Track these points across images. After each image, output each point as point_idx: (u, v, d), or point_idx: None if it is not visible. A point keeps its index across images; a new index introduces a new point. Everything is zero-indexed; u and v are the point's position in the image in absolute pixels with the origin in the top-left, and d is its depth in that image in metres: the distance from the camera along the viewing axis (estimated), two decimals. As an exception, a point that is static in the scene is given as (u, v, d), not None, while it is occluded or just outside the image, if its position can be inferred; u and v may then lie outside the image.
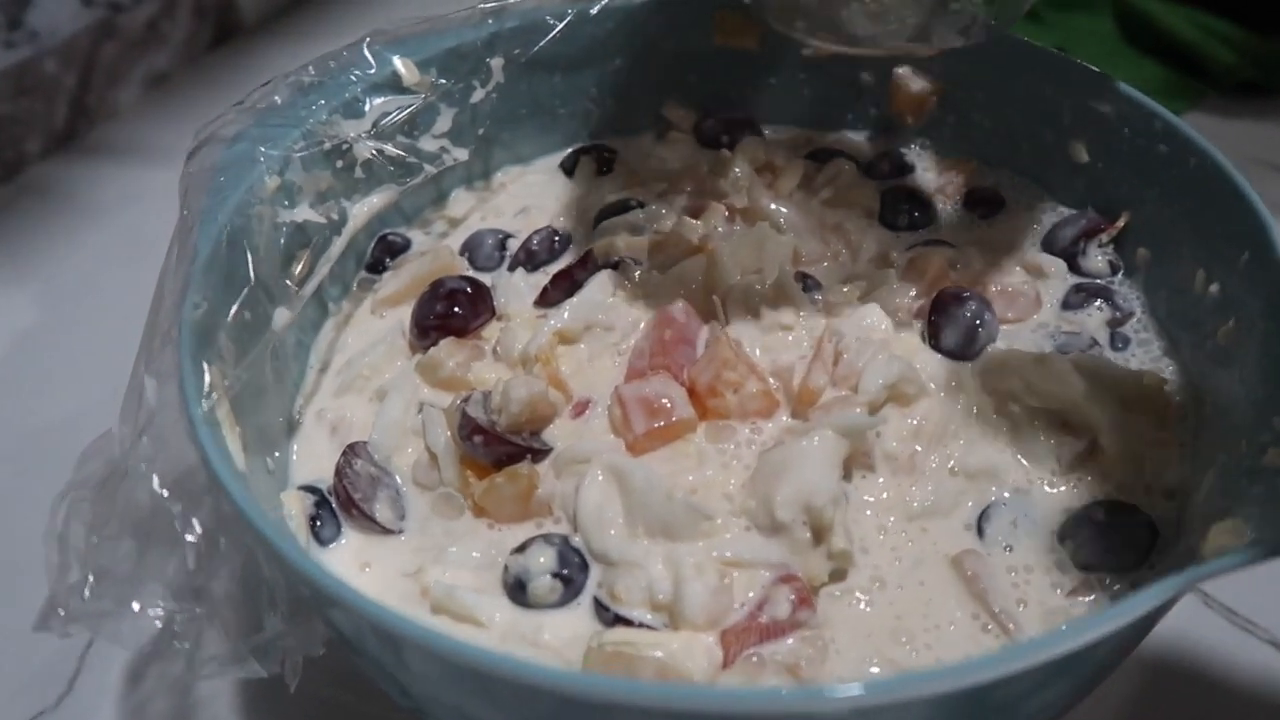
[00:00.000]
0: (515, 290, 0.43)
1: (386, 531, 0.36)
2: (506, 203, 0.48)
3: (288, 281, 0.39)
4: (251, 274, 0.37)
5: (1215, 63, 0.66)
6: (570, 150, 0.50)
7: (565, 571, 0.34)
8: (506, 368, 0.40)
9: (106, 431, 0.34)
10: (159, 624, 0.29)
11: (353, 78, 0.43)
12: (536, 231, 0.45)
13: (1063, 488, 0.36)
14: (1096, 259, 0.43)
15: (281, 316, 0.38)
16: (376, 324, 0.44)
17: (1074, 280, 0.43)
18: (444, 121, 0.45)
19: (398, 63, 0.43)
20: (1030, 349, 0.39)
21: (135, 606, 0.29)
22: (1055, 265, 0.43)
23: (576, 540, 0.35)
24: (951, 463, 0.37)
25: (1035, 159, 0.46)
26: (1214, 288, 0.38)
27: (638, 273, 0.42)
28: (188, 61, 0.76)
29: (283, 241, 0.39)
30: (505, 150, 0.49)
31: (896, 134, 0.50)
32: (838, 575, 0.34)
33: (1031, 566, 0.35)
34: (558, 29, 0.46)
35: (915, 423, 0.37)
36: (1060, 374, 0.37)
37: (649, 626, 0.33)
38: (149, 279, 0.35)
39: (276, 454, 0.38)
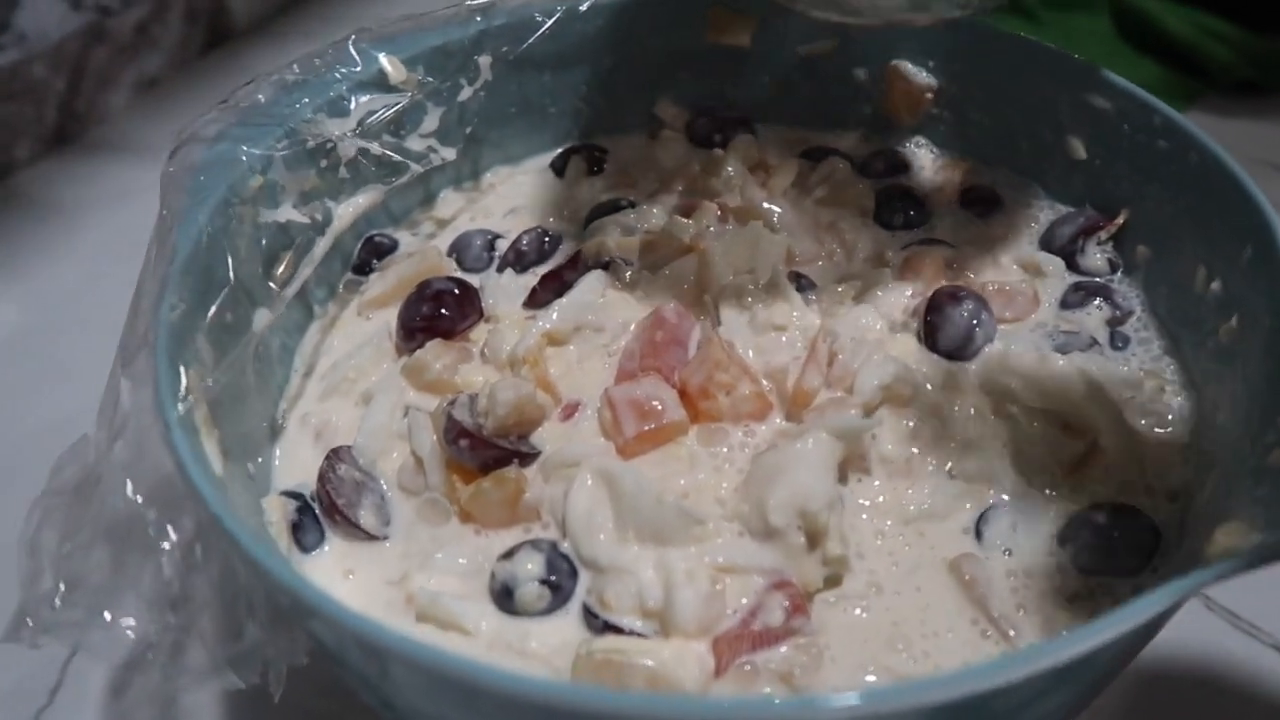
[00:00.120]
0: (504, 291, 0.42)
1: (371, 538, 0.36)
2: (495, 203, 0.48)
3: (270, 283, 0.39)
4: (231, 275, 0.36)
5: (1213, 62, 0.66)
6: (560, 150, 0.50)
7: (553, 578, 0.33)
8: (494, 370, 0.39)
9: (83, 436, 0.33)
10: (130, 634, 0.28)
11: (338, 76, 0.42)
12: (526, 232, 0.45)
13: (1063, 490, 0.36)
14: (1095, 257, 0.43)
15: (262, 318, 0.38)
16: (363, 326, 0.43)
17: (1072, 279, 0.43)
18: (431, 120, 0.45)
19: (384, 60, 0.43)
20: (1029, 349, 0.39)
21: (107, 616, 0.28)
22: (1053, 264, 0.43)
23: (565, 546, 0.34)
24: (949, 465, 0.36)
25: (1032, 156, 0.46)
26: (1215, 285, 0.37)
27: (629, 273, 0.42)
28: (179, 65, 0.75)
29: (264, 242, 0.39)
30: (494, 150, 0.49)
31: (892, 132, 0.49)
32: (833, 581, 0.33)
33: (1031, 571, 0.34)
34: (547, 26, 0.45)
35: (912, 425, 0.37)
36: (1060, 374, 0.37)
37: (639, 634, 0.32)
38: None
39: (259, 459, 0.37)
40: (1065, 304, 0.42)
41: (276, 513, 0.35)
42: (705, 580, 0.33)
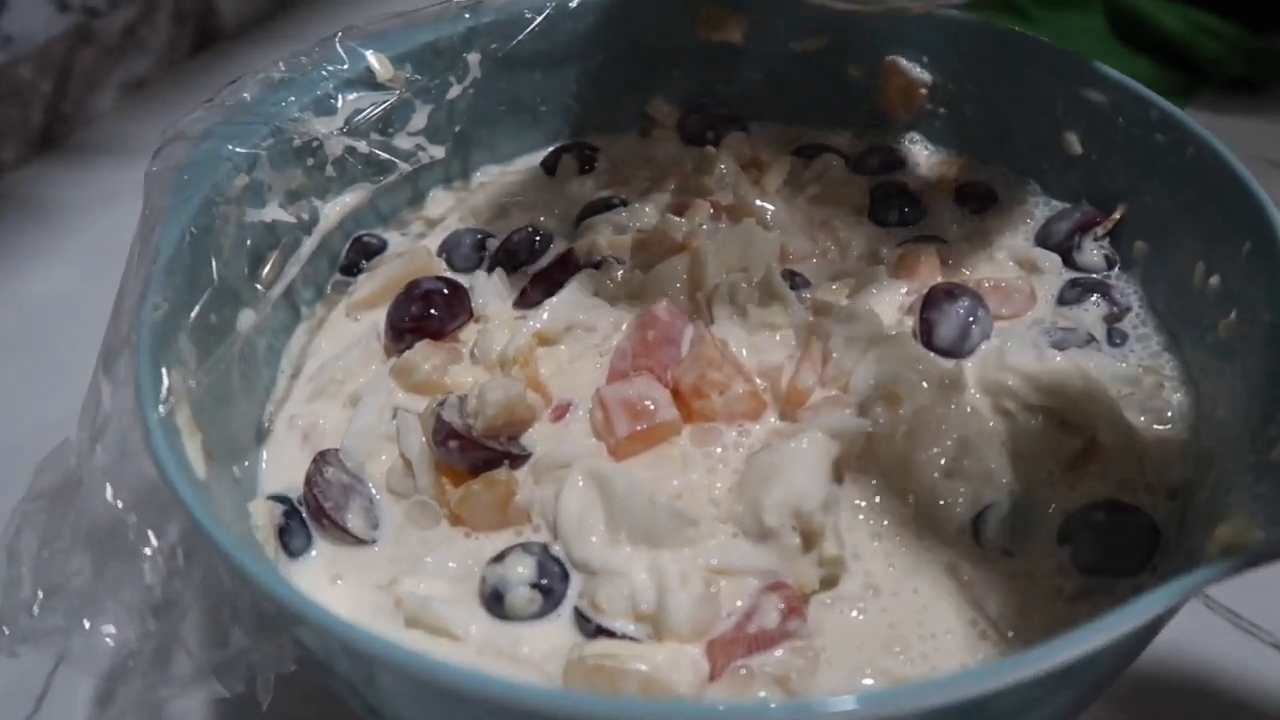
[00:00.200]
0: (494, 291, 0.42)
1: (359, 542, 0.35)
2: (486, 203, 0.47)
3: (256, 283, 0.38)
4: (215, 275, 0.36)
5: (1207, 59, 0.66)
6: (551, 148, 0.49)
7: (544, 581, 0.33)
8: (484, 370, 0.39)
9: (65, 440, 0.33)
10: (110, 642, 0.27)
11: (325, 74, 0.42)
12: (516, 231, 0.44)
13: (1061, 488, 0.35)
14: (1092, 253, 0.42)
15: (247, 319, 0.37)
16: (351, 327, 0.43)
17: (1069, 275, 0.42)
18: (420, 119, 0.44)
19: (371, 58, 0.42)
20: (1025, 346, 0.39)
21: (86, 624, 0.28)
22: (1050, 260, 0.42)
23: (556, 549, 0.34)
24: (946, 464, 0.35)
25: (1028, 152, 0.45)
26: (1214, 280, 0.37)
27: (620, 272, 0.41)
28: (167, 67, 0.75)
29: (250, 242, 0.38)
30: (484, 149, 0.49)
31: (886, 129, 0.49)
32: (829, 583, 0.33)
33: (1031, 571, 0.34)
34: (536, 23, 0.45)
35: (907, 423, 0.36)
36: (1057, 371, 0.36)
37: (632, 638, 0.32)
38: (126, 286, 0.34)
39: (245, 463, 0.37)
40: (1062, 300, 0.41)
41: (263, 517, 0.35)
42: (699, 582, 0.32)
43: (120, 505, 0.29)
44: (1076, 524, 0.34)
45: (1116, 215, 0.42)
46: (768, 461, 0.34)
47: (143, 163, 0.37)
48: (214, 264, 0.36)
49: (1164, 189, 0.40)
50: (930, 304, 0.39)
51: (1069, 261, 0.42)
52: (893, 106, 0.48)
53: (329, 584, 0.34)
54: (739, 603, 0.32)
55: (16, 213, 0.63)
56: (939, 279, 0.41)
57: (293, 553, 0.35)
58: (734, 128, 0.48)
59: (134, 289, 0.33)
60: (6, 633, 0.28)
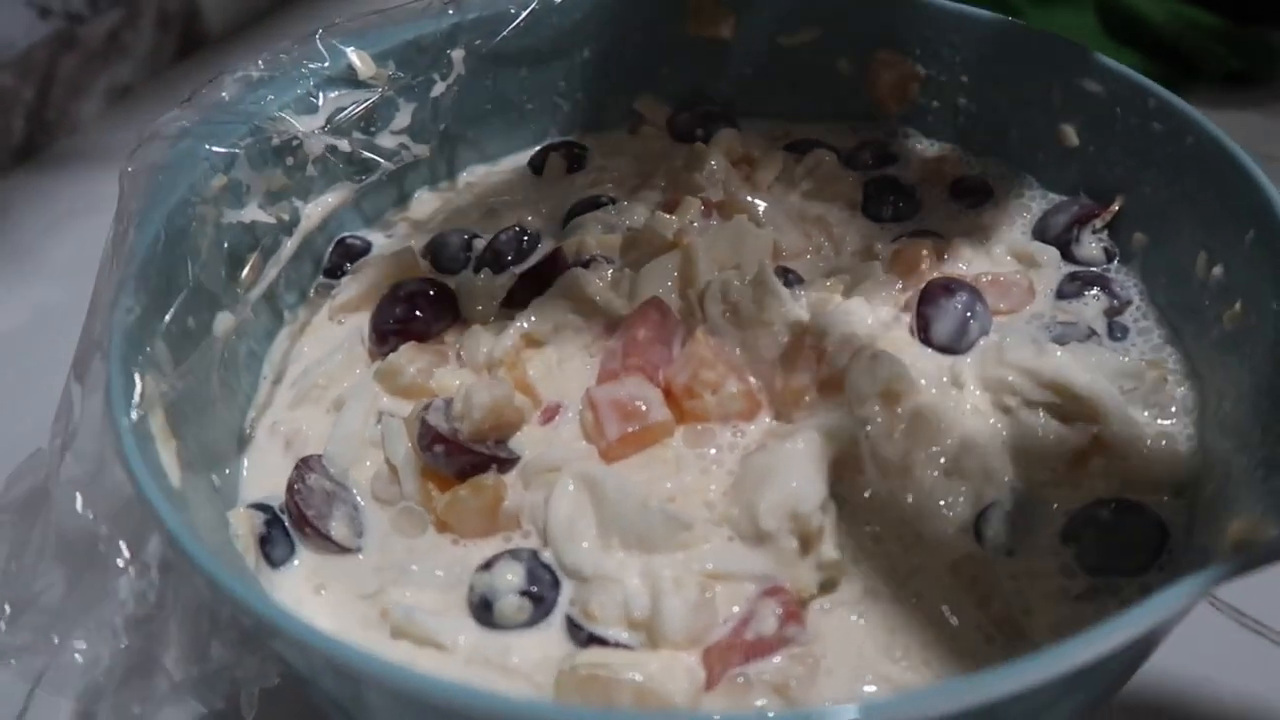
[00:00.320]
0: (481, 292, 0.41)
1: (343, 550, 0.35)
2: (472, 203, 0.47)
3: (235, 286, 0.37)
4: (191, 277, 0.35)
5: (1199, 54, 0.66)
6: (539, 147, 0.49)
7: (535, 589, 0.32)
8: (471, 373, 0.38)
9: (37, 449, 0.32)
10: (79, 658, 0.26)
11: (305, 71, 0.41)
12: (503, 230, 0.43)
13: (1065, 486, 0.35)
14: (1091, 246, 0.42)
15: (225, 322, 0.36)
16: (335, 331, 0.42)
17: (1068, 269, 0.42)
18: (403, 117, 0.44)
19: (352, 55, 0.42)
20: (1025, 341, 0.38)
21: (55, 640, 0.26)
22: (1048, 253, 0.42)
23: (547, 555, 0.33)
24: (946, 462, 0.35)
25: (1023, 144, 0.45)
26: (1217, 270, 0.36)
27: (610, 271, 0.41)
28: (151, 73, 0.74)
29: (227, 244, 0.37)
30: (470, 148, 0.48)
31: (878, 123, 0.48)
32: (828, 587, 0.32)
33: (1035, 571, 0.33)
34: (521, 19, 0.45)
35: (906, 422, 0.35)
36: (1058, 366, 0.36)
37: (626, 646, 0.31)
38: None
39: (225, 471, 0.36)
40: (1061, 294, 0.41)
41: (243, 526, 0.34)
42: (694, 588, 0.32)
43: (91, 516, 0.28)
44: (1081, 523, 0.33)
45: (1115, 207, 0.42)
46: (763, 463, 0.34)
47: (126, 170, 0.37)
48: (190, 266, 0.35)
49: (1163, 179, 0.39)
50: (927, 299, 0.39)
51: (1067, 255, 0.42)
52: (885, 100, 0.47)
53: (312, 594, 0.34)
54: (735, 608, 0.32)
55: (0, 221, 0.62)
56: (935, 274, 0.40)
57: (274, 562, 0.34)
58: (724, 124, 0.48)
59: (107, 292, 0.32)
60: (-31, 649, 0.27)
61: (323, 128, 0.41)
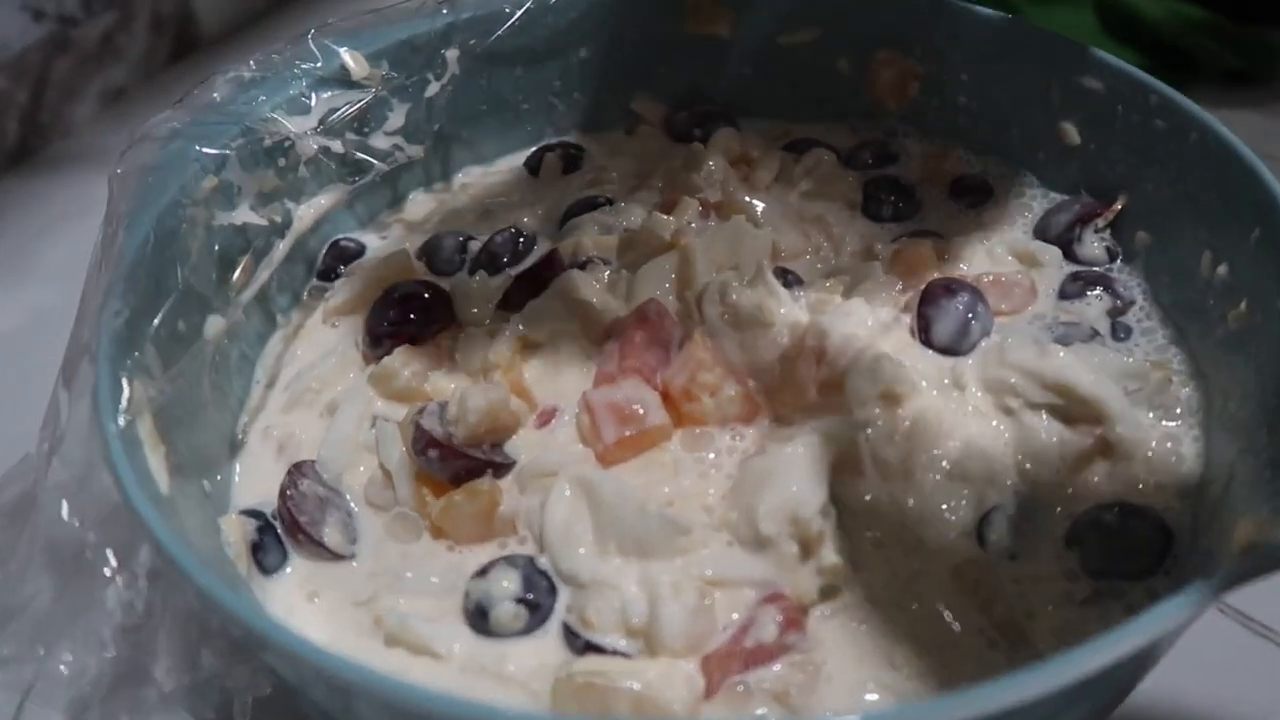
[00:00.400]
0: (476, 294, 0.41)
1: (336, 557, 0.34)
2: (467, 204, 0.46)
3: (227, 289, 0.37)
4: (181, 280, 0.34)
5: (1198, 53, 0.66)
6: (534, 148, 0.49)
7: (531, 596, 0.32)
8: (466, 376, 0.38)
9: (26, 455, 0.31)
10: (64, 669, 0.26)
11: (297, 72, 0.40)
12: (499, 232, 0.43)
13: (1069, 489, 0.34)
14: (1093, 245, 0.41)
15: (215, 325, 0.36)
16: (328, 334, 0.42)
17: (1070, 268, 0.41)
18: (397, 117, 0.43)
19: (345, 55, 0.41)
20: (1027, 341, 0.37)
21: (41, 651, 0.26)
22: (1050, 253, 0.41)
23: (543, 561, 0.33)
24: (948, 465, 0.34)
25: (1024, 143, 0.45)
26: (1222, 269, 0.36)
27: (607, 272, 0.41)
28: (145, 76, 0.74)
29: (218, 246, 0.37)
30: (465, 149, 0.48)
31: (877, 122, 0.48)
32: (828, 593, 0.32)
33: (1039, 575, 0.32)
34: (515, 18, 0.44)
35: (907, 424, 0.35)
36: (1061, 367, 0.35)
37: (623, 654, 0.31)
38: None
39: (217, 476, 0.36)
40: (1064, 294, 0.40)
41: (235, 533, 0.34)
42: (693, 594, 0.31)
43: (78, 523, 0.28)
44: (1085, 526, 0.33)
45: (1117, 206, 0.41)
46: (762, 466, 0.33)
47: (120, 173, 0.36)
48: (180, 268, 0.35)
49: (1165, 177, 0.39)
50: (928, 300, 0.38)
51: (1069, 254, 0.42)
52: (884, 98, 0.47)
53: (305, 601, 0.33)
54: (735, 615, 0.31)
55: (-7, 225, 0.62)
56: (936, 274, 0.40)
57: (266, 570, 0.34)
58: (722, 123, 0.48)
59: (95, 296, 0.32)
60: (-45, 661, 0.27)
61: (315, 128, 0.40)
